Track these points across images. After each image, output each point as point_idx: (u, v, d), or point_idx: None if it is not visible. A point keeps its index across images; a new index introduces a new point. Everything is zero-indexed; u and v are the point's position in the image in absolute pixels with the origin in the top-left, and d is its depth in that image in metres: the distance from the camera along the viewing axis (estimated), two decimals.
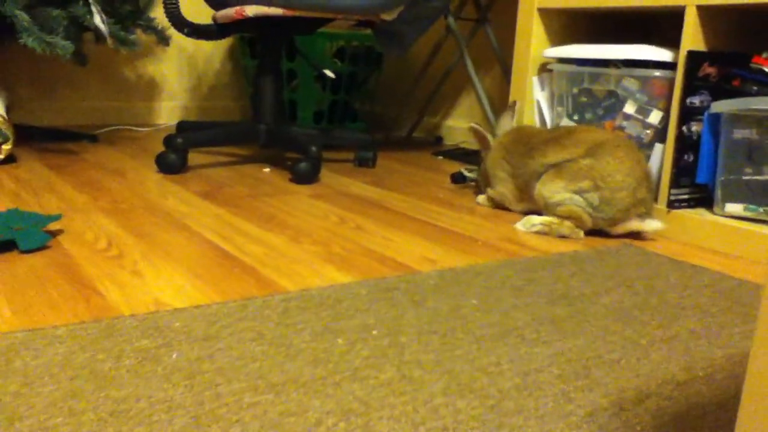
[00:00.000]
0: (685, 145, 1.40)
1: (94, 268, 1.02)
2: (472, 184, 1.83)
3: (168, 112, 2.88)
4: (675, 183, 1.41)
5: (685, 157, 1.41)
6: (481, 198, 1.61)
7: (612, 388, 0.73)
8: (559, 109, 1.70)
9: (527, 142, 1.48)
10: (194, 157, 2.04)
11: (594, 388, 0.73)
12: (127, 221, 1.30)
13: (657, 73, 1.46)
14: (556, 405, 0.69)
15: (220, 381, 0.69)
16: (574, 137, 1.39)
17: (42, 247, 1.11)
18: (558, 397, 0.71)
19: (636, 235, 1.38)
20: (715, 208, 1.36)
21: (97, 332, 0.79)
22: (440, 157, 2.29)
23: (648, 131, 1.50)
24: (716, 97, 1.38)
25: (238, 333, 0.81)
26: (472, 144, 2.50)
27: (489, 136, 1.58)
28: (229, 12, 1.80)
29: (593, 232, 1.37)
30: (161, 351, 0.75)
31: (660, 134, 1.48)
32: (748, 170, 1.32)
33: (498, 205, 1.57)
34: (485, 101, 2.11)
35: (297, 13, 1.74)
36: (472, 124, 1.59)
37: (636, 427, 0.66)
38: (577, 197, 1.34)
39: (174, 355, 0.74)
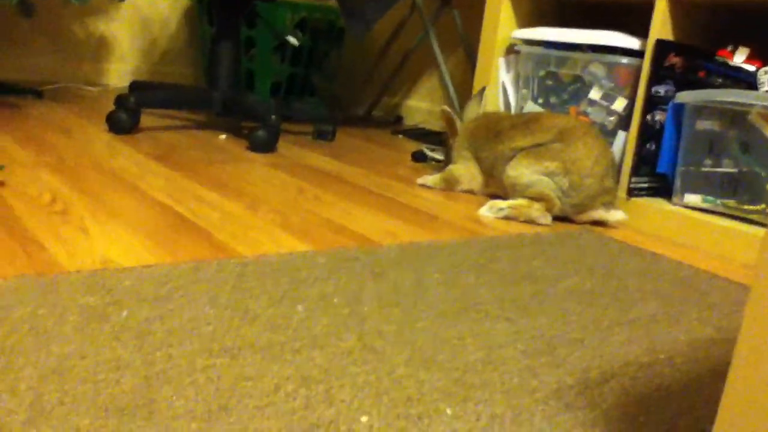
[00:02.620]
0: (648, 134, 1.40)
1: (36, 223, 0.96)
2: (434, 162, 1.81)
3: (118, 75, 2.77)
4: (636, 171, 1.41)
5: (648, 145, 1.41)
6: (430, 179, 1.55)
7: (576, 367, 0.72)
8: (524, 91, 1.68)
9: (494, 127, 1.46)
10: (146, 119, 1.96)
11: (559, 365, 0.72)
12: (74, 178, 1.23)
13: (624, 60, 1.46)
14: (521, 380, 0.67)
15: (171, 342, 0.65)
16: (543, 123, 1.38)
17: None
18: (523, 373, 0.69)
19: (598, 224, 1.37)
20: (674, 198, 1.37)
21: (39, 287, 0.74)
22: (400, 136, 2.26)
23: (612, 118, 1.49)
24: (681, 87, 1.39)
25: (191, 295, 0.77)
26: (432, 124, 2.47)
27: (458, 121, 1.56)
28: None
29: (557, 219, 1.36)
30: (109, 309, 0.70)
31: (623, 122, 1.47)
32: (708, 162, 1.33)
33: (449, 186, 1.53)
34: (449, 82, 2.09)
35: None
36: (444, 107, 1.57)
37: (602, 405, 0.64)
38: (546, 179, 1.33)
39: (123, 314, 0.70)
